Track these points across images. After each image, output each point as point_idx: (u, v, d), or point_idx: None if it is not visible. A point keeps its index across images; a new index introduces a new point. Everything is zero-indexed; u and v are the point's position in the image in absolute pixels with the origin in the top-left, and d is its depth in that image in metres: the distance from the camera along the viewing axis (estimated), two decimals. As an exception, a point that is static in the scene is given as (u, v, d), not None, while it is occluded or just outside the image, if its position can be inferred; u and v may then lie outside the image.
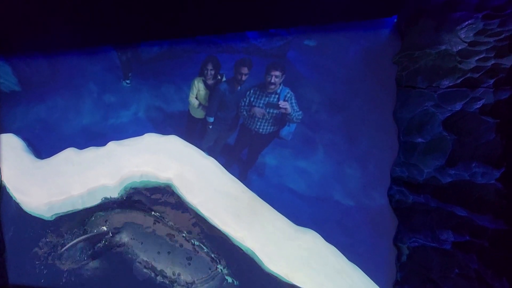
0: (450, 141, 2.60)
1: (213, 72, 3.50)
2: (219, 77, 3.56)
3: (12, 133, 3.79)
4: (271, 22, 3.43)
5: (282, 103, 3.30)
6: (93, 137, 3.82)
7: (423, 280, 2.61)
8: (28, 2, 3.33)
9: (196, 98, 3.64)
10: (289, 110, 3.30)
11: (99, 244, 3.15)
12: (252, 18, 3.36)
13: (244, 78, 3.37)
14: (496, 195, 2.47)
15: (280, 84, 3.34)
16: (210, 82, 3.56)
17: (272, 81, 3.27)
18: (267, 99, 3.38)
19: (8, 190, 3.44)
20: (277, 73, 3.27)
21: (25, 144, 3.68)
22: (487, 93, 2.53)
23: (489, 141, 2.49)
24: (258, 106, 3.41)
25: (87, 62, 4.04)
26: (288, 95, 3.35)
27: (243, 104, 3.48)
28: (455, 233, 2.54)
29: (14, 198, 3.41)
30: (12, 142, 3.69)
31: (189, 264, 2.94)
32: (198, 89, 3.59)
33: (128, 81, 4.11)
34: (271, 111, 3.39)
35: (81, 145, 3.46)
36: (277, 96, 3.36)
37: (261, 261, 2.87)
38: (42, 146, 3.75)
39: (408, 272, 2.69)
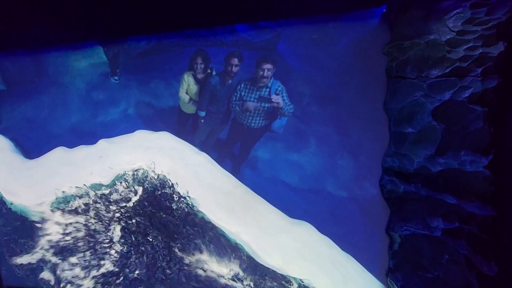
0: (439, 130, 2.63)
1: (202, 66, 3.46)
2: (209, 71, 3.51)
3: (-2, 133, 3.71)
4: (260, 15, 3.38)
5: (274, 98, 3.27)
6: (83, 135, 3.75)
7: (415, 267, 2.68)
8: (10, -2, 3.23)
9: (186, 93, 3.60)
10: (282, 104, 3.28)
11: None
12: (241, 11, 3.30)
13: (234, 69, 3.33)
14: (484, 182, 2.53)
15: (271, 77, 3.31)
16: (200, 76, 3.52)
17: (265, 74, 3.24)
18: (258, 93, 3.36)
19: (-2, 192, 3.38)
20: (269, 66, 3.23)
21: (12, 144, 3.60)
22: (475, 82, 2.56)
23: (477, 130, 2.53)
24: (250, 101, 3.39)
25: (73, 59, 3.94)
26: (279, 88, 3.33)
27: (234, 99, 3.45)
28: (445, 221, 2.60)
29: (4, 199, 3.36)
30: (-1, 143, 3.61)
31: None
32: (188, 84, 3.55)
33: (116, 78, 4.04)
34: (263, 105, 3.38)
35: (71, 144, 3.40)
36: (268, 89, 3.34)
37: (256, 254, 2.90)
38: (31, 146, 3.68)
39: (400, 260, 2.75)
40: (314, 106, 3.41)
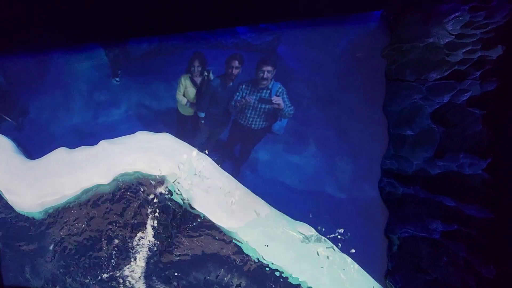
0: (438, 133, 2.64)
1: (200, 68, 3.48)
2: (206, 74, 3.53)
3: (0, 133, 3.73)
4: (261, 17, 3.41)
5: (275, 99, 3.29)
6: (84, 136, 3.78)
7: (413, 269, 2.68)
8: (14, 0, 3.26)
9: (184, 95, 3.62)
10: (282, 105, 3.30)
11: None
12: (242, 13, 3.33)
13: (235, 72, 3.35)
14: (483, 185, 2.53)
15: (271, 79, 3.33)
16: (197, 78, 3.54)
17: (265, 76, 3.26)
18: (259, 94, 3.38)
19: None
20: (269, 68, 3.25)
21: (14, 144, 3.63)
22: (474, 85, 2.57)
23: (476, 132, 2.54)
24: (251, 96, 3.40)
25: (75, 60, 3.98)
26: (280, 90, 3.35)
27: (235, 99, 3.47)
28: (443, 223, 2.61)
29: (5, 199, 3.38)
30: (1, 143, 3.64)
31: None
32: (185, 86, 3.57)
33: (117, 79, 4.07)
34: (264, 106, 3.39)
35: (72, 145, 3.43)
36: (268, 91, 3.36)
37: (256, 255, 2.91)
38: (32, 147, 3.71)
39: (399, 262, 2.75)
40: (314, 108, 3.43)
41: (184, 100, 3.62)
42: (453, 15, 2.58)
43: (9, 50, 4.02)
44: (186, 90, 3.58)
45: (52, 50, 4.00)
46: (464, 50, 2.58)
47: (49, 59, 4.05)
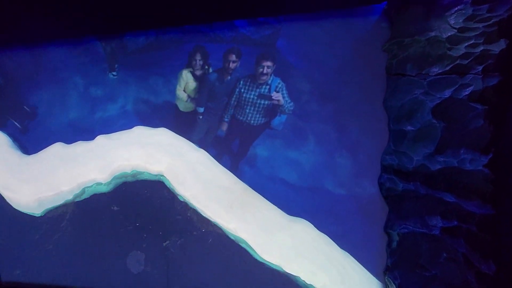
0: (439, 129, 2.61)
1: (201, 62, 3.43)
2: (207, 67, 3.48)
3: (-3, 129, 3.70)
4: (260, 11, 3.36)
5: (275, 95, 3.26)
6: (81, 131, 3.75)
7: (413, 265, 2.67)
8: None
9: (184, 90, 3.56)
10: (282, 101, 3.27)
11: None
12: (240, 6, 3.28)
13: (232, 66, 3.30)
14: (483, 181, 2.51)
15: (271, 75, 3.29)
16: (198, 73, 3.49)
17: (265, 71, 3.22)
18: (258, 90, 3.34)
19: (-5, 188, 3.37)
20: (269, 63, 3.21)
21: (10, 139, 3.60)
22: (475, 80, 2.53)
23: (477, 128, 2.51)
24: (250, 97, 3.37)
25: (71, 55, 3.93)
26: (279, 85, 3.31)
27: (234, 95, 3.43)
28: (443, 219, 2.59)
29: (2, 195, 3.36)
30: (-3, 138, 3.60)
31: None
32: (186, 81, 3.51)
33: (114, 73, 4.02)
34: (263, 102, 3.36)
35: (69, 140, 3.40)
36: (268, 86, 3.32)
37: (254, 251, 2.89)
38: (29, 142, 3.68)
39: (398, 258, 2.74)
40: (313, 103, 3.40)
41: (185, 96, 3.56)
42: (455, 8, 2.54)
43: (4, 45, 3.97)
44: (187, 85, 3.51)
45: (48, 44, 3.94)
46: (466, 44, 2.53)
47: (44, 53, 4.00)
